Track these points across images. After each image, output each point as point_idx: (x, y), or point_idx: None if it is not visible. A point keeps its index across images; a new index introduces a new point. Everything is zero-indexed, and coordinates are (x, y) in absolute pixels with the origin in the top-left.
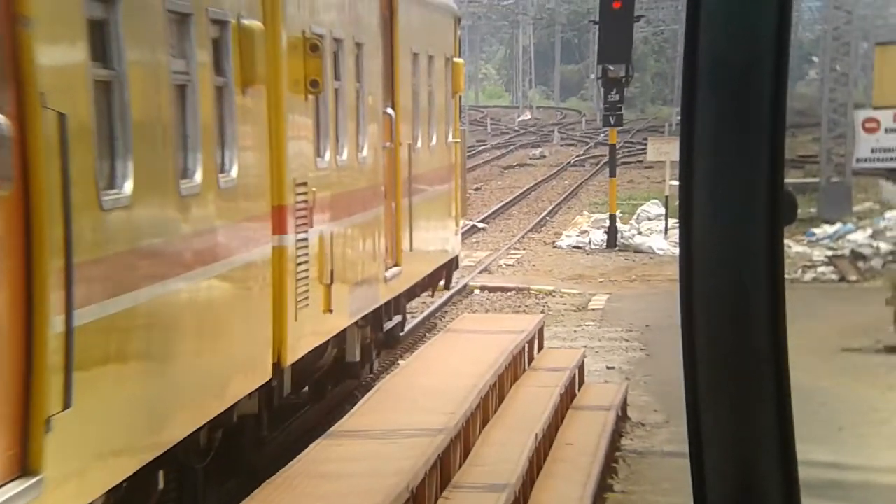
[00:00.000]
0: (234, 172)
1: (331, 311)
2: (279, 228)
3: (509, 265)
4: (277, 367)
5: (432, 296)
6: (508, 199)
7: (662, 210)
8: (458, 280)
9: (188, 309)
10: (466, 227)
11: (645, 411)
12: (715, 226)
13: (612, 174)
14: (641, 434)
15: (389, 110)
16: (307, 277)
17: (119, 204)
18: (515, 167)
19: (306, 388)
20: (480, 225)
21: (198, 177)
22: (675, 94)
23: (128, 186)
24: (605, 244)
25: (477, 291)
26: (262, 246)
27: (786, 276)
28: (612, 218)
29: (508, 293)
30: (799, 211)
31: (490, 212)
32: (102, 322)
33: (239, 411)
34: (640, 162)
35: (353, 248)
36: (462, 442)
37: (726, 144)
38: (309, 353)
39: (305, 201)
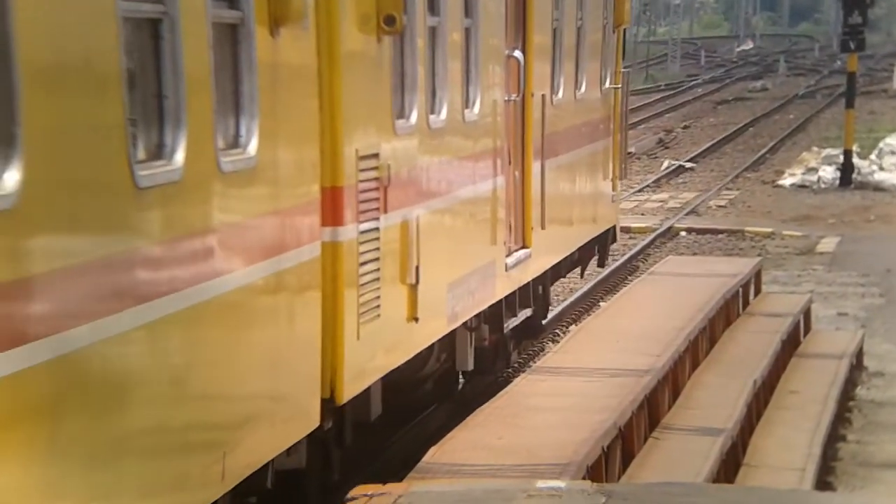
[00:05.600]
0: (252, 147)
1: (416, 319)
2: (332, 218)
3: (720, 206)
4: (331, 403)
5: (581, 277)
6: (721, 137)
7: None
8: (661, 222)
9: (151, 355)
10: (672, 168)
11: (885, 360)
12: None
13: (850, 105)
14: (880, 384)
15: (517, 53)
16: (378, 279)
17: None
18: (731, 101)
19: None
20: (688, 165)
21: (178, 157)
22: None
23: (11, 180)
24: (837, 182)
25: (683, 234)
26: (303, 246)
27: None
28: (848, 153)
29: (719, 235)
30: None
31: (699, 150)
32: None
33: (278, 466)
34: (885, 91)
35: (454, 233)
36: (670, 384)
37: None
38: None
39: (376, 179)
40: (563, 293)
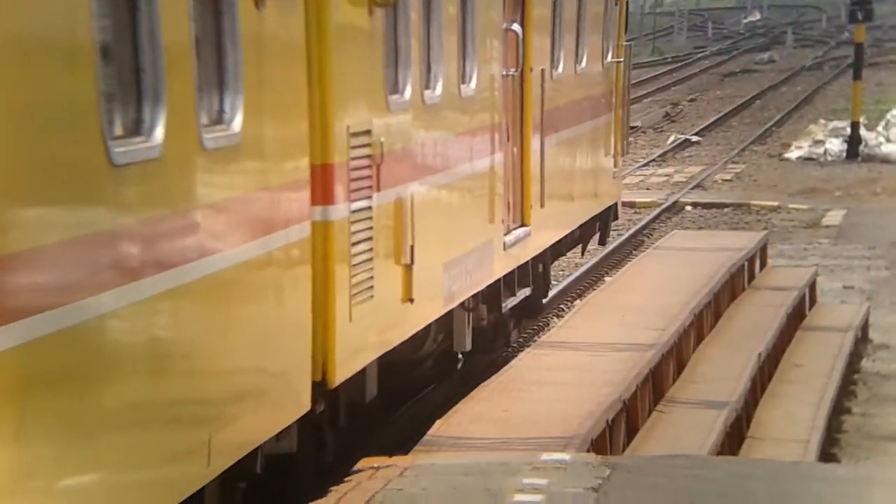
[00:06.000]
0: (236, 124)
1: (411, 299)
2: (323, 197)
3: (726, 180)
4: (323, 386)
5: (582, 255)
6: (728, 110)
7: None
8: (667, 196)
9: (131, 338)
10: (678, 142)
11: (890, 333)
12: None
13: (857, 76)
14: (886, 356)
15: (515, 27)
16: (371, 259)
17: None
18: (738, 74)
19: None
20: (694, 138)
21: (158, 134)
22: None
23: None
24: (844, 154)
25: (688, 208)
26: (291, 225)
27: None
28: (855, 125)
29: (725, 209)
30: None
31: (705, 124)
32: None
33: (268, 450)
34: (893, 62)
35: (450, 211)
36: (675, 358)
37: None
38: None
39: (369, 156)
40: (569, 268)
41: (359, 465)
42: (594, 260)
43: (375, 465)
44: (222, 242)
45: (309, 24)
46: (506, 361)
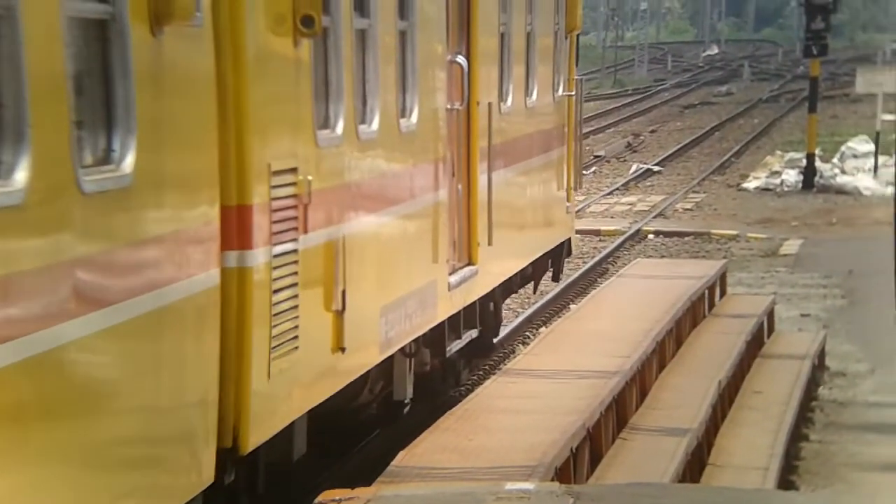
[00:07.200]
0: (127, 164)
1: (343, 349)
2: (238, 241)
3: (687, 209)
4: (234, 452)
5: (535, 292)
6: (688, 141)
7: (872, 147)
8: (630, 225)
9: None
10: (640, 172)
11: (847, 360)
12: None
13: (812, 109)
14: (842, 384)
15: (460, 59)
16: (295, 307)
17: None
18: (697, 106)
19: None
20: (655, 168)
21: (19, 177)
22: (889, 19)
23: None
24: (800, 185)
25: (651, 236)
26: (195, 275)
27: None
28: (811, 157)
29: (685, 238)
30: None
31: (666, 154)
32: None
33: None
34: (847, 95)
35: (388, 252)
36: (638, 385)
37: None
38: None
39: (294, 196)
40: (534, 295)
41: (320, 498)
42: (559, 288)
43: (337, 497)
44: (104, 297)
45: (222, 53)
46: (454, 403)
